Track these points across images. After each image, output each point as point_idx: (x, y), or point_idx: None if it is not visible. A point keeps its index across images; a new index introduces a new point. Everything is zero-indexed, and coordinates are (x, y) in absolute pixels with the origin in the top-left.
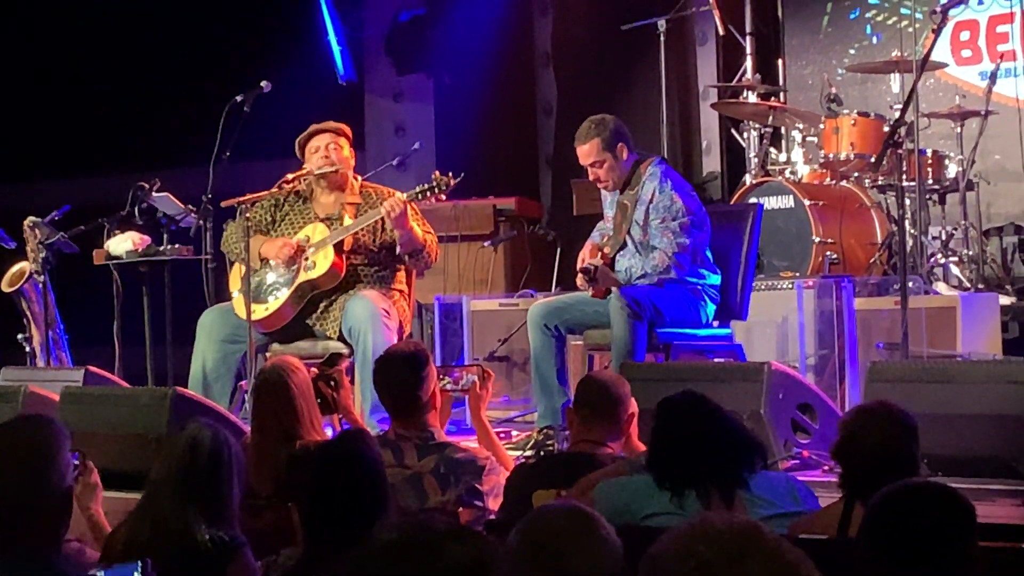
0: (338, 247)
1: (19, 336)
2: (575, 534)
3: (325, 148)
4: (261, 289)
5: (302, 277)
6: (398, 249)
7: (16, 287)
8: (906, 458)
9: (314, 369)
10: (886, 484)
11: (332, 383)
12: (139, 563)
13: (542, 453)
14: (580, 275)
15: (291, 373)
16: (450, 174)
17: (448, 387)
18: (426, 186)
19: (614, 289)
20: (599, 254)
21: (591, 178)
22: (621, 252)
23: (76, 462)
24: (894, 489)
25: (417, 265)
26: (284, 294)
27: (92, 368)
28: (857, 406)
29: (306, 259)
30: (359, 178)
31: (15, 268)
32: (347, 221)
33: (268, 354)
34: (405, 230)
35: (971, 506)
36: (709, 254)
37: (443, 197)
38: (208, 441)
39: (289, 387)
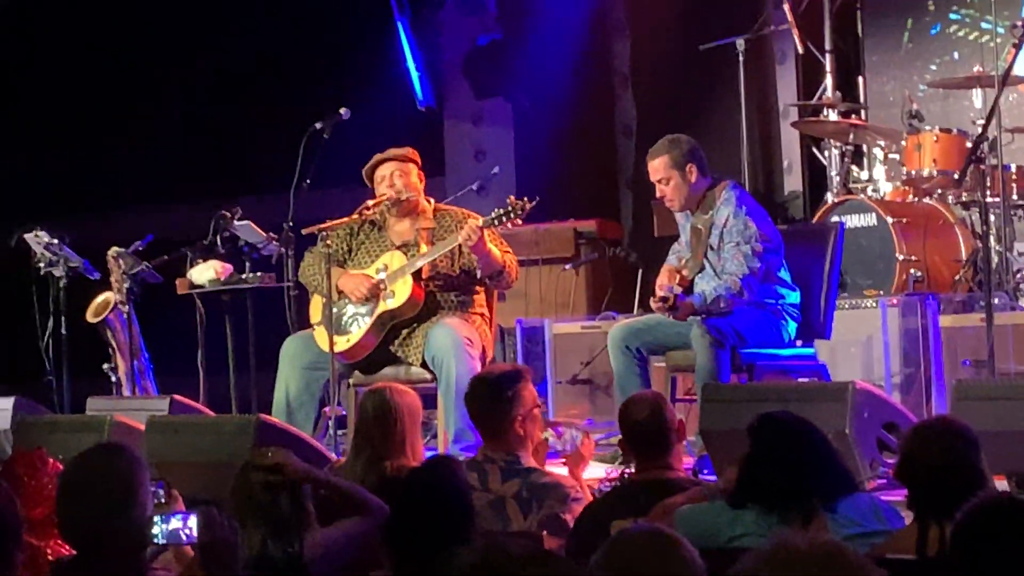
0: (416, 275)
1: (104, 366)
2: (657, 556)
3: (390, 177)
4: (342, 320)
5: (382, 307)
6: (478, 273)
7: (101, 317)
8: (971, 471)
9: None
10: (954, 500)
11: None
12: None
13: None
14: (659, 303)
15: (398, 395)
16: (524, 199)
17: (550, 440)
18: (501, 211)
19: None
20: (678, 277)
21: (658, 195)
22: (700, 275)
23: (161, 491)
24: (977, 505)
25: (499, 286)
26: (365, 325)
27: (177, 397)
28: (914, 425)
29: (384, 289)
30: (432, 201)
31: (100, 298)
32: (423, 247)
33: (351, 381)
34: (483, 254)
35: None
36: (786, 274)
37: (519, 222)
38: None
39: (390, 410)
